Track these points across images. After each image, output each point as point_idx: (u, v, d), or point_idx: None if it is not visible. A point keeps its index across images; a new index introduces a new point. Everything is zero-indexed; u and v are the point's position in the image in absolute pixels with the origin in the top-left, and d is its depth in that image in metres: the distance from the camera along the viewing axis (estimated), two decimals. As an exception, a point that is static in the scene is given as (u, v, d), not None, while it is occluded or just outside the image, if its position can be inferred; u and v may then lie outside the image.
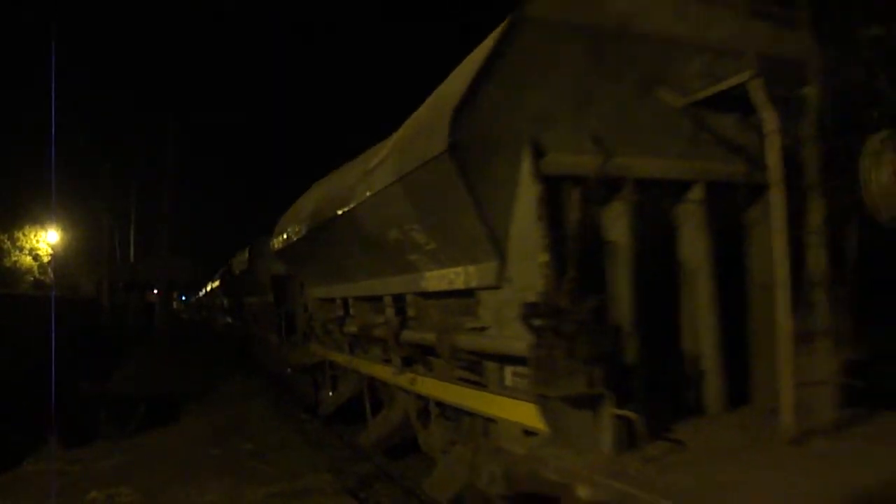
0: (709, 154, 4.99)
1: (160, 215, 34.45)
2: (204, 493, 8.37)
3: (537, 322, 4.03)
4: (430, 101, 5.53)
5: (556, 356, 3.95)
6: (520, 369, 4.70)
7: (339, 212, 7.35)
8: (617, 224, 4.73)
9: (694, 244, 5.04)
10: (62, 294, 26.01)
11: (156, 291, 39.77)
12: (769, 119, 4.25)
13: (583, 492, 3.74)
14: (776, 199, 4.21)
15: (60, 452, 10.43)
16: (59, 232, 31.14)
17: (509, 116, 4.40)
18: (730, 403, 4.93)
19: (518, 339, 4.29)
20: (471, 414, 5.66)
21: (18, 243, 31.64)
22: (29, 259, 31.89)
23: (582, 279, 4.21)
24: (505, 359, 4.92)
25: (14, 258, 31.38)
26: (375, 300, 7.87)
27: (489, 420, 5.33)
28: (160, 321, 34.74)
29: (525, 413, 4.45)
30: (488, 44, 4.52)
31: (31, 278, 31.65)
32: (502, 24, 4.44)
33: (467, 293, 5.36)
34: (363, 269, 7.79)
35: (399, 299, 7.04)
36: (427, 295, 6.27)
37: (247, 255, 21.03)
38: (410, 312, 6.80)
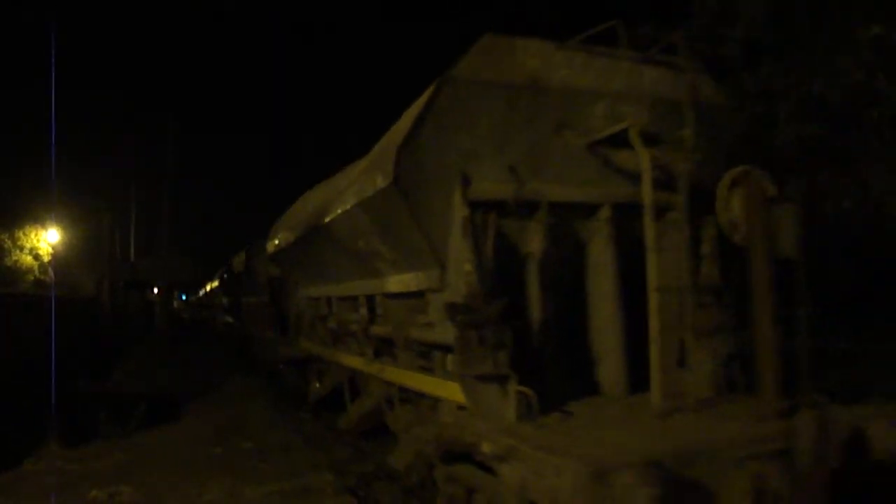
0: (613, 181, 6.14)
1: (161, 214, 34.52)
2: (204, 492, 8.44)
3: (459, 318, 5.26)
4: (384, 137, 6.89)
5: (471, 344, 5.20)
6: (451, 356, 5.81)
7: (321, 223, 8.61)
8: (533, 239, 5.98)
9: (601, 255, 6.25)
10: (62, 293, 25.99)
11: (156, 291, 39.84)
12: (643, 158, 5.53)
13: (486, 447, 4.94)
14: (648, 222, 5.46)
15: (60, 452, 10.49)
16: (60, 231, 31.20)
17: (442, 154, 5.66)
18: (635, 388, 6.03)
19: (449, 332, 5.47)
20: (424, 396, 6.85)
21: (19, 242, 31.69)
22: (29, 258, 31.94)
23: (500, 285, 5.55)
24: (444, 348, 6.00)
25: (14, 257, 31.43)
26: (352, 300, 9.13)
27: (437, 400, 6.47)
28: (160, 320, 34.87)
29: (456, 391, 5.58)
30: (424, 98, 5.79)
31: (32, 277, 31.68)
32: (434, 83, 5.70)
33: (419, 294, 6.53)
34: (342, 273, 9.05)
35: (370, 299, 8.35)
36: (390, 296, 7.49)
37: (244, 256, 21.58)
38: (378, 311, 8.13)
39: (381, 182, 5.88)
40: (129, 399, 13.98)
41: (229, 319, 33.43)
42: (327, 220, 8.17)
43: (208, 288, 55.29)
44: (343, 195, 7.45)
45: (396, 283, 7.04)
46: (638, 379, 5.94)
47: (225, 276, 31.68)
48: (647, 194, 5.45)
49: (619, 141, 5.80)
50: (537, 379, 5.42)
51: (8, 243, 31.22)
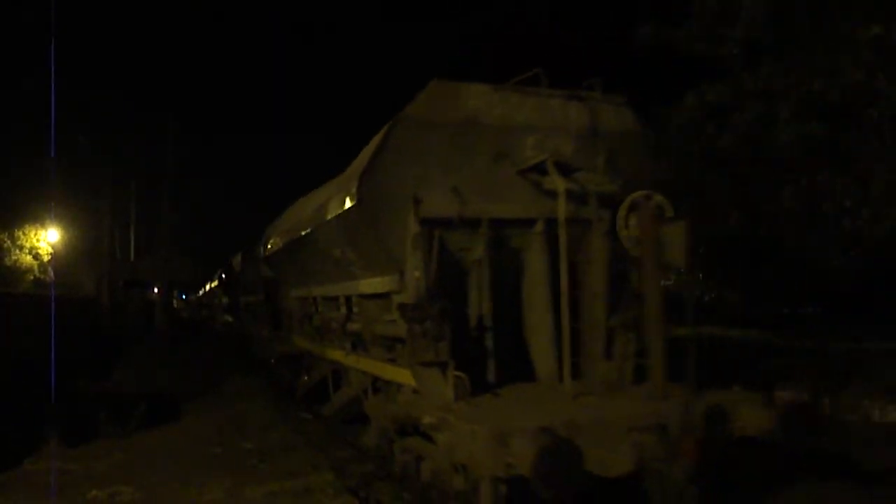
0: (546, 200, 7.17)
1: (160, 214, 34.47)
2: (205, 492, 8.51)
3: (408, 315, 6.49)
4: (354, 162, 8.20)
5: (417, 337, 6.40)
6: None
7: (304, 232, 10.08)
8: (476, 249, 7.25)
9: (536, 262, 7.46)
10: (62, 293, 26.03)
11: (156, 290, 39.84)
12: (558, 184, 6.83)
13: (426, 420, 6.38)
14: (562, 238, 6.78)
15: (60, 451, 10.55)
16: (59, 231, 31.22)
17: (397, 180, 6.97)
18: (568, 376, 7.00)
19: (402, 327, 6.79)
20: (391, 384, 8.03)
21: (18, 242, 31.73)
22: (29, 258, 31.98)
23: (447, 288, 6.83)
24: (402, 340, 7.11)
25: (14, 257, 31.47)
26: (334, 300, 10.38)
27: (399, 386, 7.65)
28: (160, 320, 34.85)
29: (409, 377, 6.91)
30: (381, 133, 7.25)
31: (32, 277, 31.71)
32: (389, 122, 7.13)
33: (386, 295, 7.74)
34: (324, 276, 10.24)
35: (348, 299, 9.60)
36: (364, 296, 8.65)
37: (241, 258, 22.16)
38: (355, 309, 9.38)
39: (348, 203, 7.36)
40: (128, 399, 14.01)
41: (229, 319, 33.56)
42: (310, 230, 9.63)
43: (208, 287, 55.29)
44: (322, 209, 8.73)
45: (367, 285, 8.24)
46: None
47: (224, 276, 31.81)
48: (560, 213, 6.74)
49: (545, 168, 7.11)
50: (477, 367, 6.94)
51: (7, 243, 31.29)
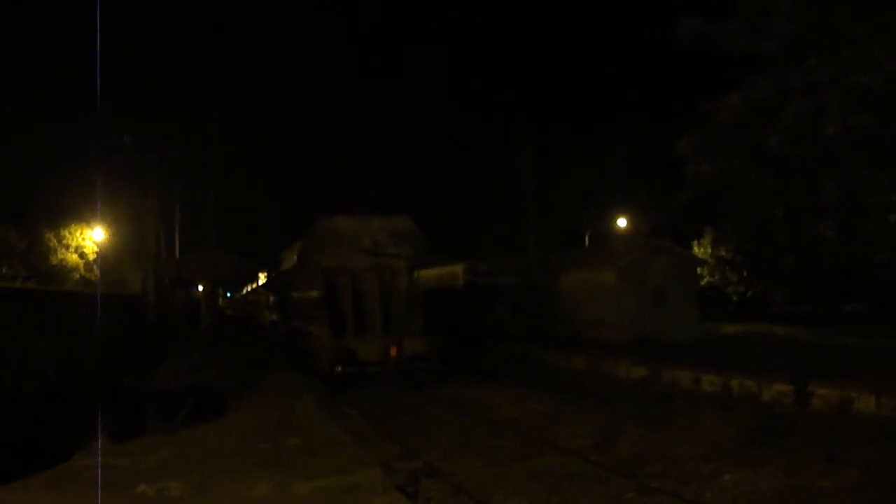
0: (373, 260, 20.67)
1: (206, 212, 34.68)
2: (252, 487, 8.52)
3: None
4: (288, 250, 25.94)
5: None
6: None
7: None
8: (345, 281, 19.87)
9: (370, 287, 20.06)
10: (108, 291, 26.31)
11: (201, 288, 40.16)
12: (376, 257, 20.81)
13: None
14: (378, 276, 20.81)
15: (109, 447, 10.65)
16: (105, 229, 31.50)
17: (313, 255, 20.52)
18: (381, 331, 20.50)
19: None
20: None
21: (64, 241, 32.04)
22: (75, 256, 32.29)
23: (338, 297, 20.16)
24: None
25: (60, 256, 31.77)
26: None
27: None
28: (205, 317, 35.05)
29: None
30: (301, 242, 22.05)
31: (78, 276, 32.04)
32: (306, 235, 21.72)
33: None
34: None
35: None
36: None
37: (296, 252, 22.60)
38: None
39: (295, 262, 22.25)
40: (175, 395, 14.13)
41: (275, 317, 33.68)
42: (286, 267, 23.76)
43: (254, 285, 55.63)
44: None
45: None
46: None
47: (273, 272, 31.94)
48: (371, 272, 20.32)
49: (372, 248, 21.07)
50: (345, 329, 19.32)
51: (53, 242, 31.62)
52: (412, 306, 20.20)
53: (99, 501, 8.05)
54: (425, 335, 19.24)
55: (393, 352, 18.17)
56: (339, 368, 18.17)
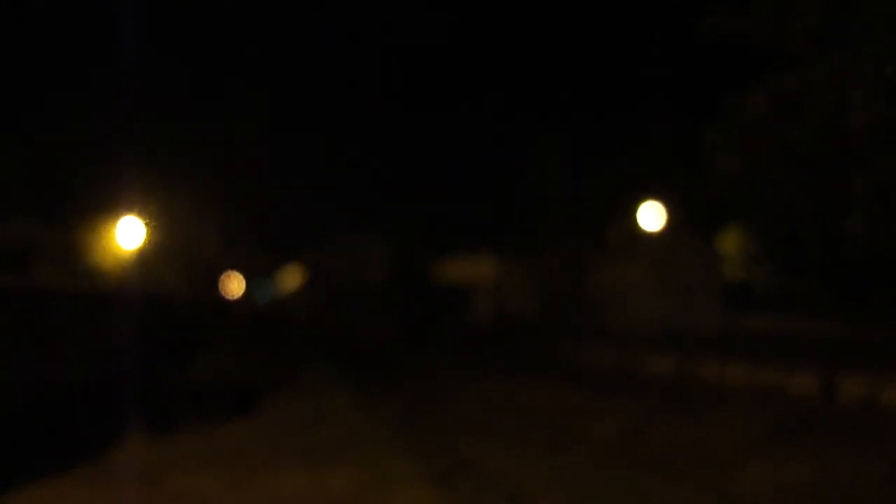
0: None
1: (238, 209, 34.95)
2: (287, 481, 8.51)
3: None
4: None
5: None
6: None
7: None
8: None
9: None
10: (144, 288, 26.56)
11: (236, 283, 40.48)
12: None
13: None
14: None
15: (145, 443, 10.67)
16: (141, 226, 31.75)
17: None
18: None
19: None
20: None
21: (102, 239, 32.30)
22: (112, 254, 32.55)
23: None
24: None
25: (98, 253, 32.05)
26: None
27: None
28: (241, 314, 35.30)
29: None
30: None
31: (114, 273, 32.31)
32: None
33: None
34: None
35: None
36: None
37: (335, 250, 23.25)
38: None
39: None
40: (210, 391, 14.22)
41: (308, 314, 33.94)
42: None
43: (289, 281, 56.06)
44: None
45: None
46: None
47: (307, 269, 32.28)
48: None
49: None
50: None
51: (90, 239, 31.87)
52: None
53: (134, 495, 8.13)
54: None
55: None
56: None
